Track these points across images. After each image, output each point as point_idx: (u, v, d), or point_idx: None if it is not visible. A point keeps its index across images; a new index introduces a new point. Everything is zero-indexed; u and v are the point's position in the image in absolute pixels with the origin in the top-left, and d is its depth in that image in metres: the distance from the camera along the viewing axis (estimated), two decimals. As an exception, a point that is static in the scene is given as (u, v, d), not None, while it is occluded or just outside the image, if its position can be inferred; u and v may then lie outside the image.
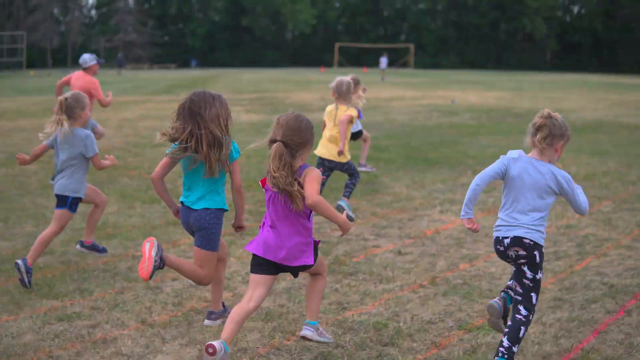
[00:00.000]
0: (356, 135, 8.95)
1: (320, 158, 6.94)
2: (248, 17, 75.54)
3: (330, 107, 7.05)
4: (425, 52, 75.77)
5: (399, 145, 12.49)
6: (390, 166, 10.21)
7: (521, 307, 3.61)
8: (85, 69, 8.37)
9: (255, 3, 74.92)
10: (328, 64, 68.52)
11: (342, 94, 6.91)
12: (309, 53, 76.17)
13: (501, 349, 3.53)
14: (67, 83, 8.51)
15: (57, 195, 5.15)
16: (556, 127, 3.61)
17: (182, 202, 4.05)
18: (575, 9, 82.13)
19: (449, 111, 19.45)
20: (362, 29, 78.83)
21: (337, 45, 68.54)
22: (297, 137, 3.45)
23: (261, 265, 3.57)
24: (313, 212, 3.51)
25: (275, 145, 3.43)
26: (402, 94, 27.16)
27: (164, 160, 4.02)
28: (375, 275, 5.27)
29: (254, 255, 3.59)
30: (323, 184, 6.50)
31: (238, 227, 4.19)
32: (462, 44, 77.70)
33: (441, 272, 5.41)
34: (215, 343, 3.38)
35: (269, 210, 3.57)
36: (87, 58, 8.41)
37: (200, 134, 3.79)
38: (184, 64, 70.57)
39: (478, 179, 3.67)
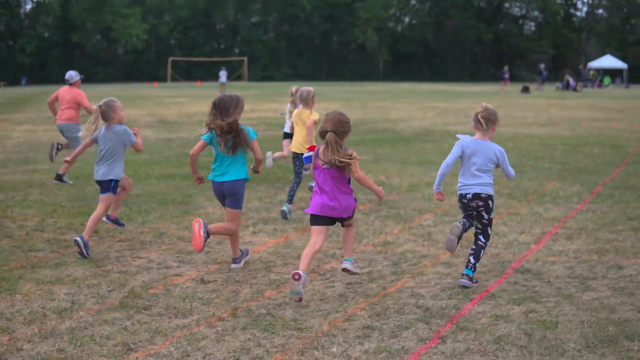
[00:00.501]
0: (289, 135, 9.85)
1: (295, 153, 8.15)
2: (78, 33, 74.61)
3: (296, 111, 8.32)
4: (258, 65, 76.58)
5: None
6: (206, 184, 9.69)
7: (481, 237, 5.40)
8: (71, 84, 10.15)
9: (85, 19, 73.69)
10: (162, 79, 67.61)
11: (304, 100, 8.23)
12: (142, 68, 75.15)
13: (469, 264, 5.28)
14: (56, 98, 10.26)
15: (100, 182, 6.46)
16: (492, 114, 5.32)
17: (212, 180, 5.73)
18: (406, 20, 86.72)
19: (277, 124, 19.33)
20: (196, 43, 78.64)
21: (170, 60, 67.77)
22: (341, 127, 5.04)
23: (318, 219, 5.15)
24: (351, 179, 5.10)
25: (328, 134, 4.98)
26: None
27: (200, 142, 5.66)
28: (172, 308, 4.87)
29: (312, 214, 5.14)
30: (301, 172, 8.12)
31: (255, 171, 6.07)
32: (294, 56, 79.28)
33: (244, 301, 5.08)
34: (299, 271, 4.83)
35: (319, 181, 5.10)
36: (72, 74, 10.23)
37: (225, 125, 5.46)
38: (14, 81, 67.73)
39: (445, 165, 5.34)
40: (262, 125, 19.36)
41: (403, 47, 79.85)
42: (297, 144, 8.14)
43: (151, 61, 76.44)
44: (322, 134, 5.04)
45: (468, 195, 5.32)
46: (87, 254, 6.15)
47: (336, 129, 5.01)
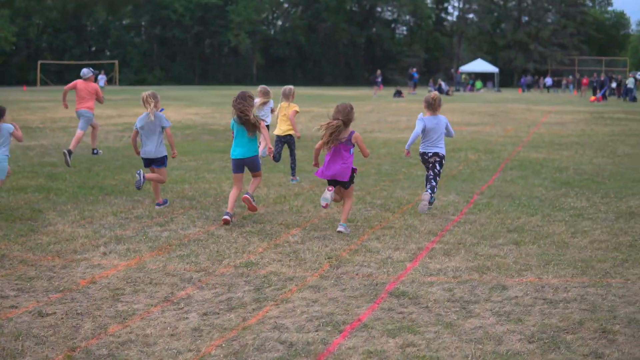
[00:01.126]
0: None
1: (278, 136, 10.43)
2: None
3: (281, 104, 10.54)
4: (130, 69, 75.35)
5: (76, 171, 11.29)
6: (59, 198, 8.97)
7: (433, 181, 8.07)
8: (85, 79, 13.05)
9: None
10: (32, 82, 64.56)
11: (286, 95, 10.60)
12: (11, 72, 71.34)
13: (432, 195, 8.07)
14: (73, 87, 13.06)
15: (153, 159, 8.42)
16: (439, 98, 8.26)
17: (233, 158, 7.83)
18: (279, 23, 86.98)
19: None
20: (66, 46, 76.08)
21: (39, 62, 64.79)
22: (347, 117, 7.08)
23: (329, 182, 7.27)
24: (352, 151, 7.26)
25: (335, 121, 7.02)
26: (99, 112, 25.31)
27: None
28: (0, 350, 4.15)
29: (318, 173, 7.32)
30: (279, 152, 10.67)
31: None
32: (166, 59, 78.35)
33: (84, 339, 4.39)
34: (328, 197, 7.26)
35: (328, 154, 7.17)
36: (86, 72, 13.14)
37: (243, 113, 7.67)
38: None
39: (415, 135, 8.13)
40: (129, 131, 18.28)
41: (276, 51, 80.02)
42: (280, 130, 10.48)
43: (21, 64, 73.29)
44: (332, 120, 7.15)
45: (429, 154, 8.24)
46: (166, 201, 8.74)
47: (344, 118, 7.13)
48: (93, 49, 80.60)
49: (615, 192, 9.68)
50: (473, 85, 62.24)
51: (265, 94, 11.36)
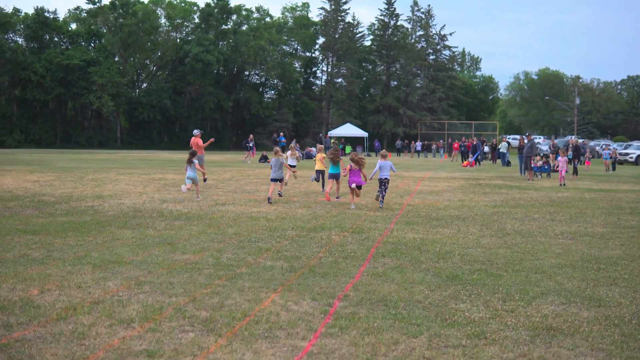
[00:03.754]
0: None
1: (318, 170, 20.88)
2: None
3: (318, 154, 20.89)
4: None
5: None
6: None
7: (384, 192, 16.49)
8: (195, 136, 22.24)
9: None
10: None
11: (319, 150, 21.46)
12: None
13: (382, 201, 16.44)
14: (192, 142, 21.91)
15: (274, 179, 17.29)
16: (386, 152, 17.27)
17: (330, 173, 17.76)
18: (144, 85, 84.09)
19: None
20: None
21: None
22: (361, 161, 16.36)
23: (352, 188, 16.05)
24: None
25: (353, 164, 16.15)
26: None
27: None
28: None
29: (351, 183, 16.06)
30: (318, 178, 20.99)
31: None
32: (27, 121, 74.56)
33: None
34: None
35: (351, 174, 16.01)
36: (197, 131, 22.58)
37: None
38: None
39: (374, 172, 16.70)
40: None
41: (141, 114, 76.71)
42: (318, 167, 20.38)
43: None
44: (352, 159, 16.05)
45: (383, 178, 16.12)
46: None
47: (357, 161, 16.01)
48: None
49: (519, 291, 7.57)
50: (343, 149, 61.56)
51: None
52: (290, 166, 22.96)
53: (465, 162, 44.08)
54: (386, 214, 14.95)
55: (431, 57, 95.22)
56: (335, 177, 17.53)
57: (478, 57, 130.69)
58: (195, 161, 17.35)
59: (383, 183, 16.35)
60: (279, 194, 18.25)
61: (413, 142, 69.49)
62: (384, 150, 17.39)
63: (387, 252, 10.05)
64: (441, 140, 70.29)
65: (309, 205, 16.63)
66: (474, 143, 46.02)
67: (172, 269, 8.55)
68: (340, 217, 14.22)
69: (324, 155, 20.01)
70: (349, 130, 68.95)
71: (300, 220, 13.68)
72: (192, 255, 9.51)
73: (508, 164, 43.29)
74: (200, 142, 22.19)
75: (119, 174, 26.56)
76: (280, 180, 17.62)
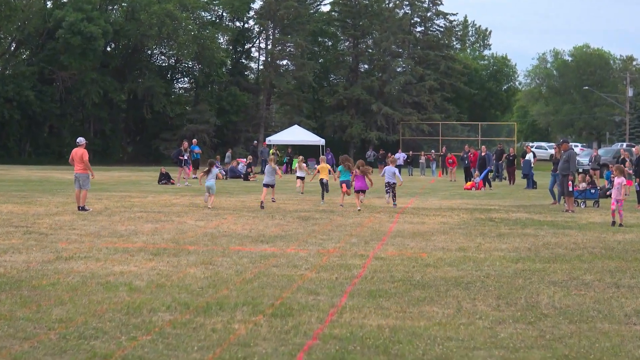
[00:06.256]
0: None
1: (322, 179, 31.18)
2: None
3: (322, 165, 32.34)
4: None
5: None
6: None
7: (392, 193, 29.58)
8: (80, 145, 24.78)
9: None
10: None
11: (325, 160, 36.00)
12: None
13: (394, 200, 29.39)
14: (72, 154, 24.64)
15: (267, 185, 28.09)
16: (394, 159, 33.43)
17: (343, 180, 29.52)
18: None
19: None
20: None
21: None
22: (364, 167, 29.07)
23: (356, 190, 28.38)
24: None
25: (358, 170, 28.43)
26: None
27: None
28: None
29: (355, 188, 28.29)
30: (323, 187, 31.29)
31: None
32: None
33: None
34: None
35: (356, 179, 28.11)
36: (81, 139, 25.28)
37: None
38: None
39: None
40: None
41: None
42: (322, 176, 30.87)
43: None
44: (357, 167, 28.01)
45: (391, 182, 29.06)
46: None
47: (363, 170, 27.85)
48: None
49: None
50: (288, 163, 60.70)
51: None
52: (300, 178, 36.30)
53: (469, 183, 43.23)
54: (337, 276, 13.05)
55: (418, 28, 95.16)
56: (347, 183, 28.60)
57: (487, 30, 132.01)
58: (216, 170, 27.47)
59: (390, 186, 28.86)
60: (272, 199, 29.47)
61: (390, 154, 68.21)
62: (392, 155, 32.08)
63: (326, 361, 7.96)
64: (433, 151, 69.06)
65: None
66: (482, 154, 44.79)
67: None
68: (259, 282, 12.46)
69: (326, 165, 32.21)
70: (298, 135, 68.03)
71: (188, 289, 11.94)
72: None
73: (534, 185, 42.95)
74: (86, 156, 24.94)
75: None
76: (273, 186, 28.64)
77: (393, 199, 28.65)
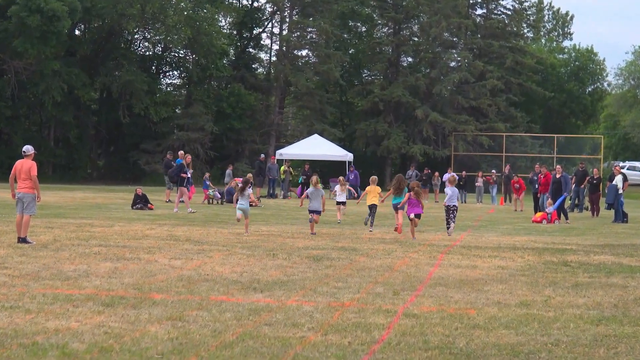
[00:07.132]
0: None
1: (372, 204, 35.26)
2: None
3: (371, 187, 35.39)
4: None
5: None
6: None
7: (453, 219, 34.16)
8: (27, 156, 24.48)
9: None
10: None
11: (373, 181, 36.08)
12: None
13: (451, 226, 33.90)
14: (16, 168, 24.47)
15: (313, 211, 32.36)
16: (454, 179, 37.97)
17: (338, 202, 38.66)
18: None
19: None
20: None
21: None
22: (417, 188, 33.88)
23: (410, 218, 32.46)
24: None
25: (413, 192, 32.63)
26: None
27: None
28: None
29: (410, 213, 31.96)
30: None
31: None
32: None
33: None
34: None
35: (410, 204, 31.85)
36: (29, 148, 24.82)
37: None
38: None
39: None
40: None
41: None
42: (371, 200, 34.49)
43: None
44: (410, 188, 31.85)
45: (451, 206, 32.91)
46: None
47: (416, 192, 31.58)
48: None
49: None
50: (304, 184, 60.75)
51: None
52: (341, 204, 38.71)
53: (539, 214, 42.86)
54: (351, 340, 12.69)
55: (479, 11, 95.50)
56: (398, 207, 32.37)
57: (568, 14, 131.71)
58: (250, 190, 29.89)
59: (452, 210, 31.45)
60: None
61: (436, 173, 67.75)
62: (454, 174, 38.31)
63: None
64: (494, 171, 68.53)
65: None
66: (558, 176, 44.26)
67: None
68: (242, 348, 12.32)
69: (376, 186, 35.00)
70: (318, 147, 67.86)
71: (143, 355, 11.79)
72: None
73: (624, 218, 42.77)
74: (35, 169, 24.59)
75: None
76: (319, 213, 31.37)
77: (450, 223, 31.96)
